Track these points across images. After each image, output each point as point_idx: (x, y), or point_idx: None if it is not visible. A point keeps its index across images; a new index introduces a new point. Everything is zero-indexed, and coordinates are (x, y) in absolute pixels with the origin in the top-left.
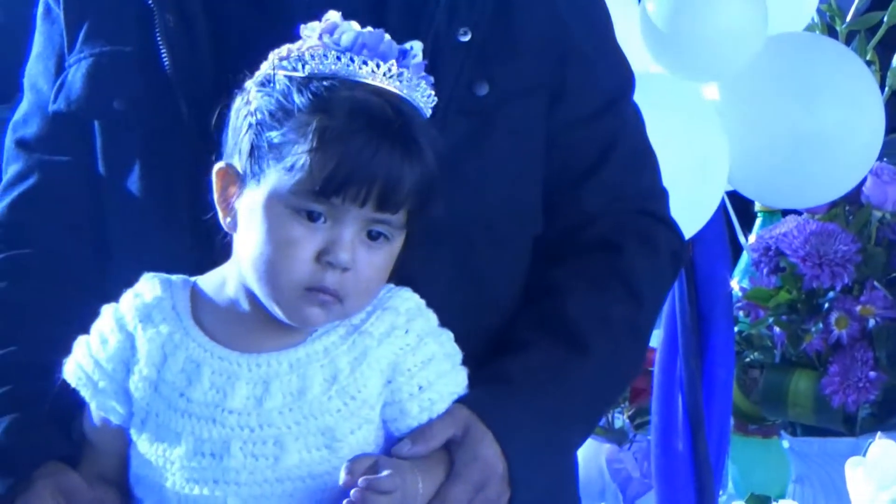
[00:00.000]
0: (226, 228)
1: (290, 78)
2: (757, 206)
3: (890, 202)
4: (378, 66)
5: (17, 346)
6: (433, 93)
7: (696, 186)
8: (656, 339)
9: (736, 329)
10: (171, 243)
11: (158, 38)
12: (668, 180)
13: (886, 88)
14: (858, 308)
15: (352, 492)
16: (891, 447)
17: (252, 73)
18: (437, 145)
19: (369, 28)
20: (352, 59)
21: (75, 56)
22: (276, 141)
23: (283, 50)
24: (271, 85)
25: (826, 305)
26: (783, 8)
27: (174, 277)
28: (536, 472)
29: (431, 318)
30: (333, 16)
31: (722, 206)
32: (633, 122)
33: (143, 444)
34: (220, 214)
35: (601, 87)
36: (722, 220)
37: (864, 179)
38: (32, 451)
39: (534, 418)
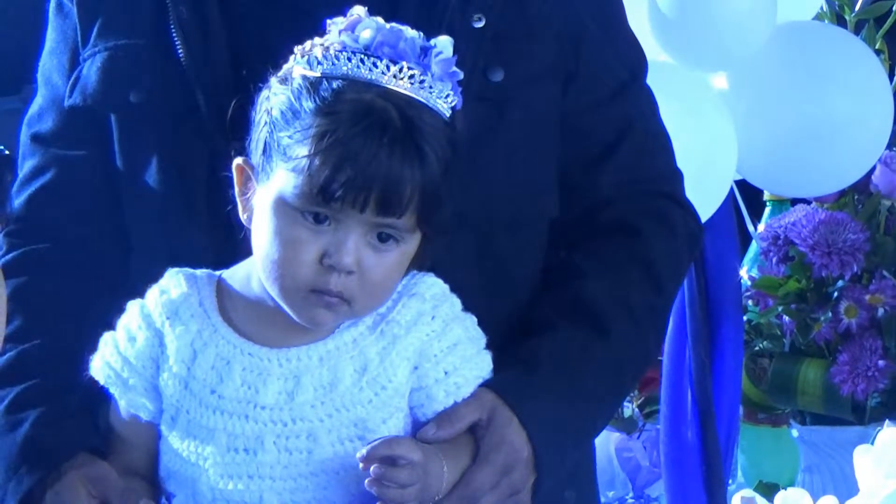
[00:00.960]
0: (244, 223)
1: (304, 77)
2: (766, 195)
3: None
4: (388, 67)
5: (41, 339)
6: (451, 93)
7: (705, 175)
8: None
9: (745, 318)
10: (189, 236)
11: (173, 31)
12: None
13: (895, 77)
14: (867, 297)
15: (366, 481)
16: None
17: (266, 66)
18: (451, 147)
19: (392, 24)
20: (362, 61)
21: (90, 50)
22: (284, 142)
23: (307, 45)
24: (288, 83)
25: (835, 294)
26: None
27: (199, 272)
28: (561, 456)
29: (456, 302)
30: (358, 10)
31: (731, 195)
32: (647, 105)
33: (175, 440)
34: (240, 209)
35: (614, 70)
36: (731, 209)
37: (874, 168)
38: (61, 443)
39: (558, 402)
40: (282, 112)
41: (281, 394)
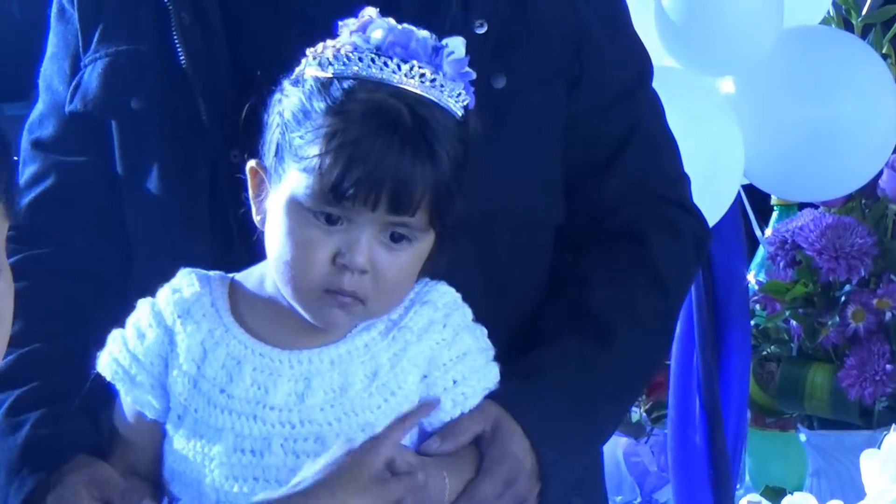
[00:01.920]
0: (258, 226)
1: (315, 78)
2: (773, 200)
3: None
4: (399, 66)
5: (41, 343)
6: (463, 92)
7: (712, 180)
8: None
9: (752, 322)
10: (191, 242)
11: (174, 36)
12: None
13: None
14: (875, 301)
15: None
16: None
17: (268, 70)
18: (463, 146)
19: (404, 25)
20: (373, 60)
21: (91, 56)
22: (295, 142)
23: (319, 47)
24: (300, 84)
25: (842, 298)
26: (798, 1)
27: (212, 273)
28: (566, 465)
29: (468, 312)
30: (369, 11)
31: (738, 199)
32: (652, 109)
33: (181, 440)
34: (253, 211)
35: (618, 74)
36: (738, 213)
37: (881, 172)
38: (62, 444)
39: (563, 412)
40: (293, 113)
41: (291, 395)
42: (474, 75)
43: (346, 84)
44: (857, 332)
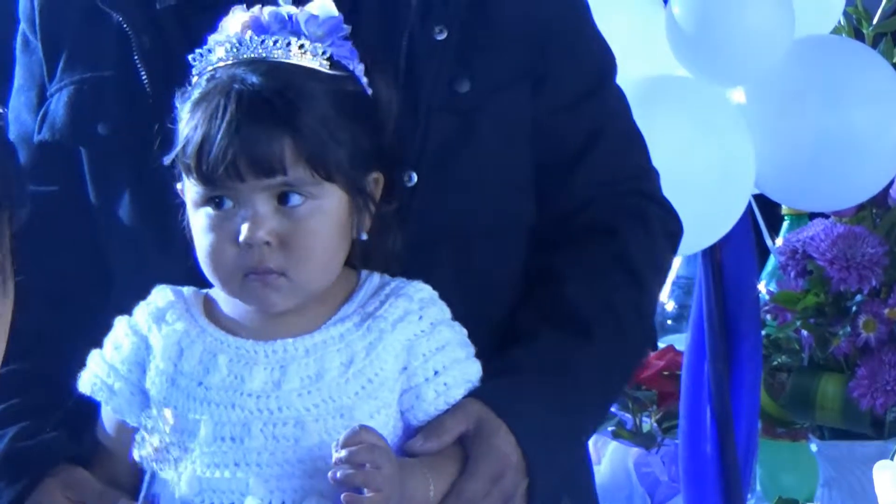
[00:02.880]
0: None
1: (185, 86)
2: (784, 209)
3: None
4: (247, 43)
5: (23, 363)
6: (320, 45)
7: (723, 190)
8: (683, 342)
9: (763, 332)
10: (167, 268)
11: (137, 62)
12: (694, 184)
13: None
14: (886, 311)
15: (329, 474)
16: None
17: None
18: (337, 96)
19: (262, 7)
20: (226, 48)
21: (56, 85)
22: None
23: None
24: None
25: (854, 308)
26: (809, 10)
27: (185, 288)
28: (552, 459)
29: (445, 309)
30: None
31: (749, 209)
32: (618, 105)
33: None
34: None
35: (583, 71)
36: (749, 223)
37: (892, 182)
38: (41, 455)
39: (546, 407)
40: (175, 124)
41: (267, 382)
42: (345, 29)
43: (201, 78)
44: (869, 342)
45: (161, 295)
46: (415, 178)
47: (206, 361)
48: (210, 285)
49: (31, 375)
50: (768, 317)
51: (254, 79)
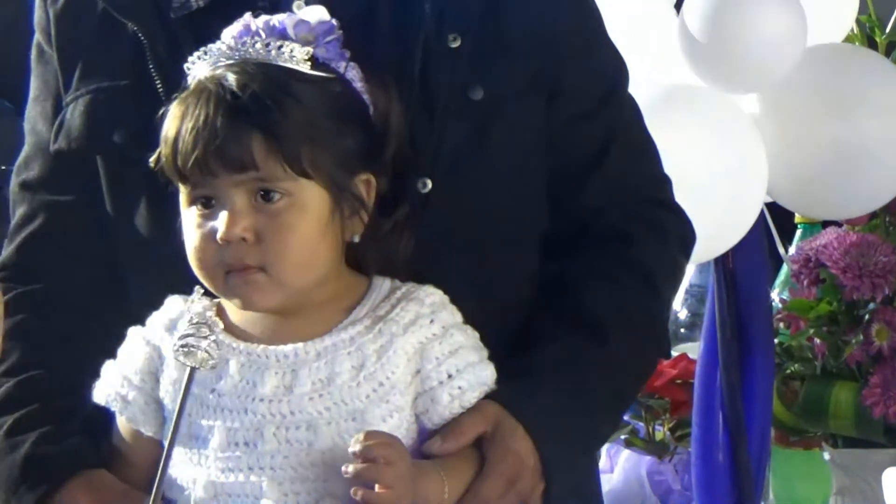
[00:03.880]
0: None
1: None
2: (797, 218)
3: None
4: (230, 46)
5: (42, 370)
6: (298, 47)
7: (736, 198)
8: (696, 350)
9: (776, 340)
10: (182, 277)
11: (152, 70)
12: (707, 192)
13: None
14: None
15: (343, 468)
16: None
17: None
18: (316, 94)
19: (256, 15)
20: (214, 52)
21: (72, 94)
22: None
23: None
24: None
25: (866, 317)
26: (822, 19)
27: (200, 298)
28: (568, 462)
29: (456, 313)
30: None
31: (761, 217)
32: (631, 113)
33: (178, 450)
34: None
35: (597, 81)
36: (761, 231)
37: None
38: (62, 461)
39: (563, 410)
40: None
41: (279, 387)
42: (336, 33)
43: (187, 81)
44: (881, 350)
45: (173, 305)
46: (429, 184)
47: (217, 368)
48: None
49: (51, 382)
50: (781, 325)
51: (230, 78)
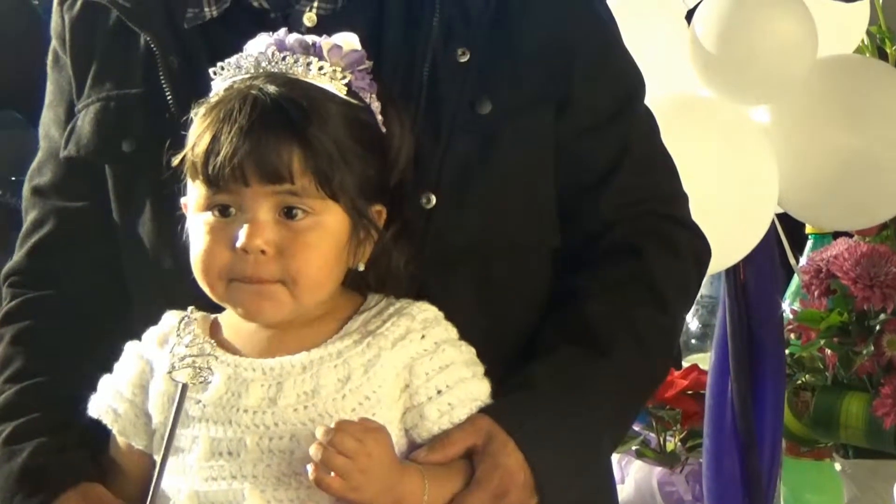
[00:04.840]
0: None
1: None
2: (807, 228)
3: None
4: (267, 59)
5: (44, 377)
6: (338, 70)
7: (747, 209)
8: (707, 361)
9: (787, 351)
10: (185, 285)
11: (163, 80)
12: (718, 203)
13: None
14: None
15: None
16: None
17: None
18: (349, 118)
19: (288, 32)
20: (245, 60)
21: (84, 101)
22: (188, 155)
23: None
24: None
25: (877, 327)
26: (833, 30)
27: (194, 313)
28: (565, 478)
29: (450, 329)
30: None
31: (772, 228)
32: (646, 127)
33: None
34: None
35: (609, 94)
36: (773, 242)
37: None
38: (58, 472)
39: (558, 425)
40: (190, 132)
41: (263, 399)
42: (367, 64)
43: (220, 88)
44: (892, 360)
45: (167, 320)
46: (433, 199)
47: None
48: (220, 310)
49: (52, 391)
50: (792, 336)
51: (271, 88)
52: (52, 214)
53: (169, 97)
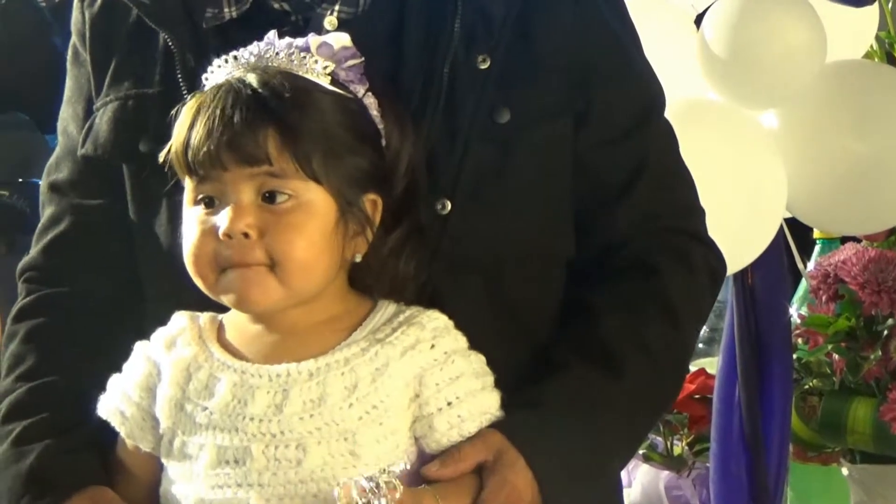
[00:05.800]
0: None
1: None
2: (815, 233)
3: None
4: (252, 53)
5: (56, 376)
6: (320, 59)
7: (755, 213)
8: (715, 366)
9: (794, 356)
10: (196, 290)
11: (181, 80)
12: (726, 208)
13: None
14: None
15: None
16: None
17: None
18: (332, 105)
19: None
20: (237, 58)
21: (102, 100)
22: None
23: None
24: None
25: (885, 332)
26: (841, 35)
27: (203, 314)
28: (571, 496)
29: (460, 338)
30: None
31: (780, 233)
32: (664, 141)
33: (173, 466)
34: None
35: (628, 107)
36: (780, 247)
37: None
38: (66, 475)
39: (568, 443)
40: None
41: (269, 406)
42: (357, 59)
43: (205, 81)
44: None
45: (176, 322)
46: (448, 206)
47: (211, 386)
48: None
49: (63, 391)
50: (799, 340)
51: (250, 78)
52: (68, 211)
53: (186, 97)
